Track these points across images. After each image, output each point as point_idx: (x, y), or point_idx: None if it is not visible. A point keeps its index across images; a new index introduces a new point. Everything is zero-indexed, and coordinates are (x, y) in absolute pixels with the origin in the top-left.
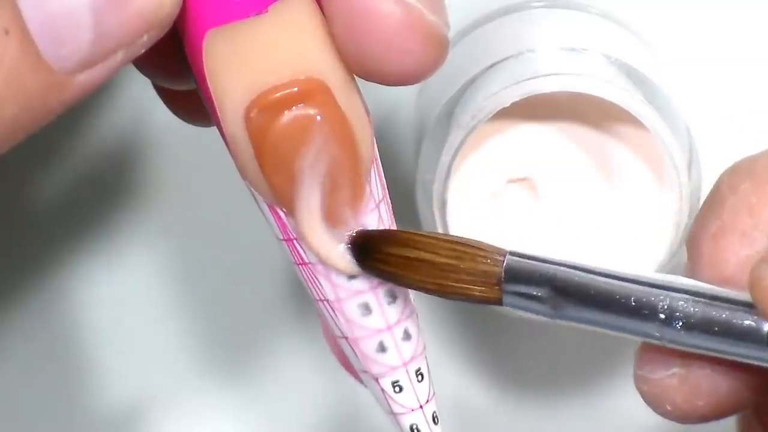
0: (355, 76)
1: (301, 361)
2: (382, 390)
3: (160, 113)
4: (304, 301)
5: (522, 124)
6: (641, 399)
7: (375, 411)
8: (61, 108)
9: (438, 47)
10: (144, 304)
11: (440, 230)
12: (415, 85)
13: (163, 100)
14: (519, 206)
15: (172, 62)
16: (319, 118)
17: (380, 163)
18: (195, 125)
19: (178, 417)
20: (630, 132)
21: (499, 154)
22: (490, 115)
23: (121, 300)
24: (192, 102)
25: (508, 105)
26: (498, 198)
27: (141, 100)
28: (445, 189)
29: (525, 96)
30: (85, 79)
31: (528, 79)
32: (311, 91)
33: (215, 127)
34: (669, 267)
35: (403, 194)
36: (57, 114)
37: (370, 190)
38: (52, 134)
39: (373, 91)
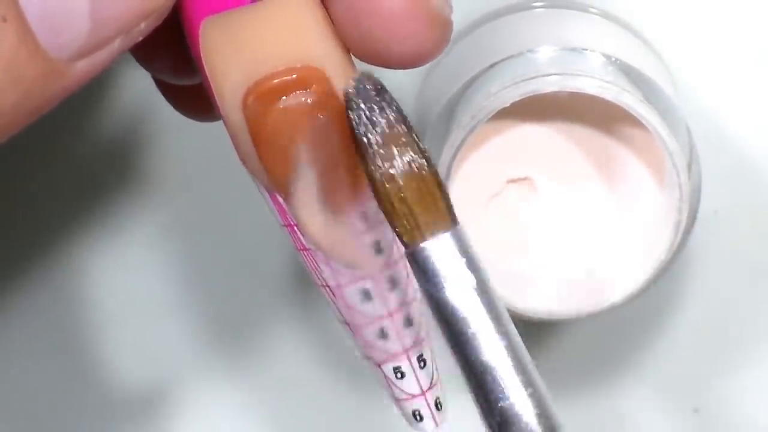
0: (355, 62)
1: (305, 349)
2: (385, 376)
3: (163, 108)
4: (309, 289)
5: (522, 124)
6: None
7: (376, 401)
8: (61, 96)
9: (442, 29)
10: (148, 296)
11: None
12: (415, 85)
13: (164, 95)
14: (519, 206)
15: (172, 55)
16: (313, 105)
17: None
18: (196, 120)
19: (183, 408)
20: (630, 132)
21: (499, 154)
22: (490, 115)
23: (125, 294)
24: (193, 97)
25: (508, 105)
26: (498, 198)
27: (144, 95)
28: None
29: (525, 96)
30: (84, 66)
31: (528, 79)
32: (307, 79)
33: (215, 120)
34: (669, 267)
35: None
36: (57, 102)
37: None
38: (56, 127)
39: None
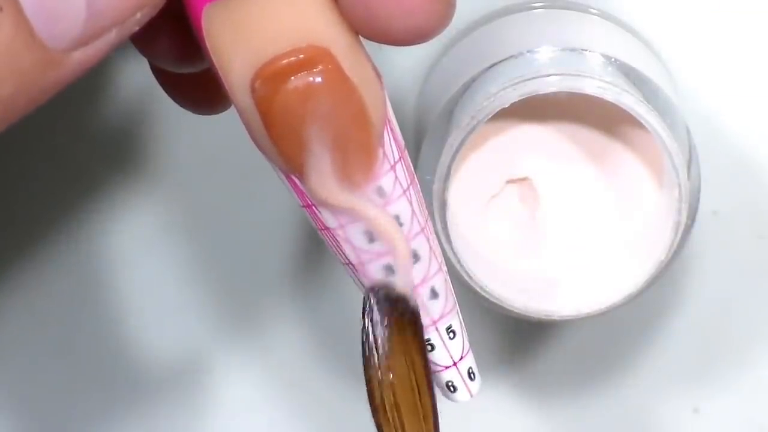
0: (362, 40)
1: (311, 343)
2: None
3: (164, 100)
4: (313, 281)
5: (522, 124)
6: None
7: None
8: (58, 86)
9: (446, 3)
10: (150, 292)
11: (440, 230)
12: (415, 85)
13: (163, 88)
14: (519, 207)
15: (173, 42)
16: (322, 84)
17: (396, 124)
18: (196, 113)
19: (184, 405)
20: (630, 132)
21: (498, 154)
22: (490, 116)
23: (126, 290)
24: (192, 88)
25: (508, 105)
26: (498, 198)
27: (144, 88)
28: (445, 189)
29: (525, 96)
30: (80, 57)
31: (528, 79)
32: (313, 58)
33: (215, 113)
34: (669, 267)
35: None
36: (54, 93)
37: (384, 153)
38: (55, 122)
39: None
